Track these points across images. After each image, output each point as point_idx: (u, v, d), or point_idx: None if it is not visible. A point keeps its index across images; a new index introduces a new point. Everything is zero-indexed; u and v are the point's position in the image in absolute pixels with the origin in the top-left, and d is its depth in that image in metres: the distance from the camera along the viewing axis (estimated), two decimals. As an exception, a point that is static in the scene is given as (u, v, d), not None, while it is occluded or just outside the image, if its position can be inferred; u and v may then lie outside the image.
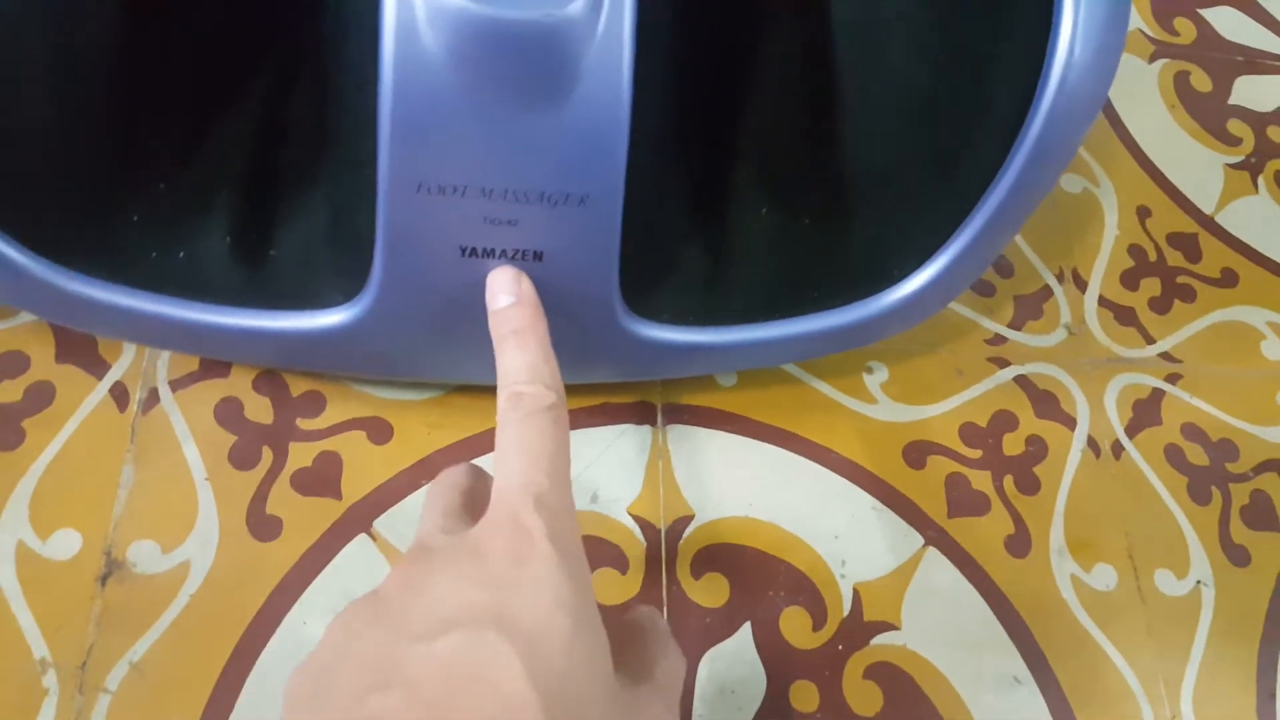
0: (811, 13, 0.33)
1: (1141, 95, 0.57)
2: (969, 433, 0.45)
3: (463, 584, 0.21)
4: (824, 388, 0.44)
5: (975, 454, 0.44)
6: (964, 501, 0.43)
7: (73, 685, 0.35)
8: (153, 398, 0.39)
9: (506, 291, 0.30)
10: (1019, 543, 0.43)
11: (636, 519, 0.40)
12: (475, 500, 0.28)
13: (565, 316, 0.34)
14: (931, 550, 0.42)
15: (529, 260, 0.31)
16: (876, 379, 0.45)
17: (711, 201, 0.36)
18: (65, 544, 0.37)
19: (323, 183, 0.33)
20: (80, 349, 0.40)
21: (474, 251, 0.31)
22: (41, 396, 0.39)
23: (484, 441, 0.41)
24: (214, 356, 0.40)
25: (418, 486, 0.40)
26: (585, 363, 0.37)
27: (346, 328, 0.34)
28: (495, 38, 0.26)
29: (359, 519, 0.39)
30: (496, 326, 0.29)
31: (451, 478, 0.29)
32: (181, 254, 0.32)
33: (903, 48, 0.34)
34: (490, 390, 0.41)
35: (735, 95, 0.35)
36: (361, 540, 0.38)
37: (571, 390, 0.42)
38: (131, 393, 0.39)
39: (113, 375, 0.40)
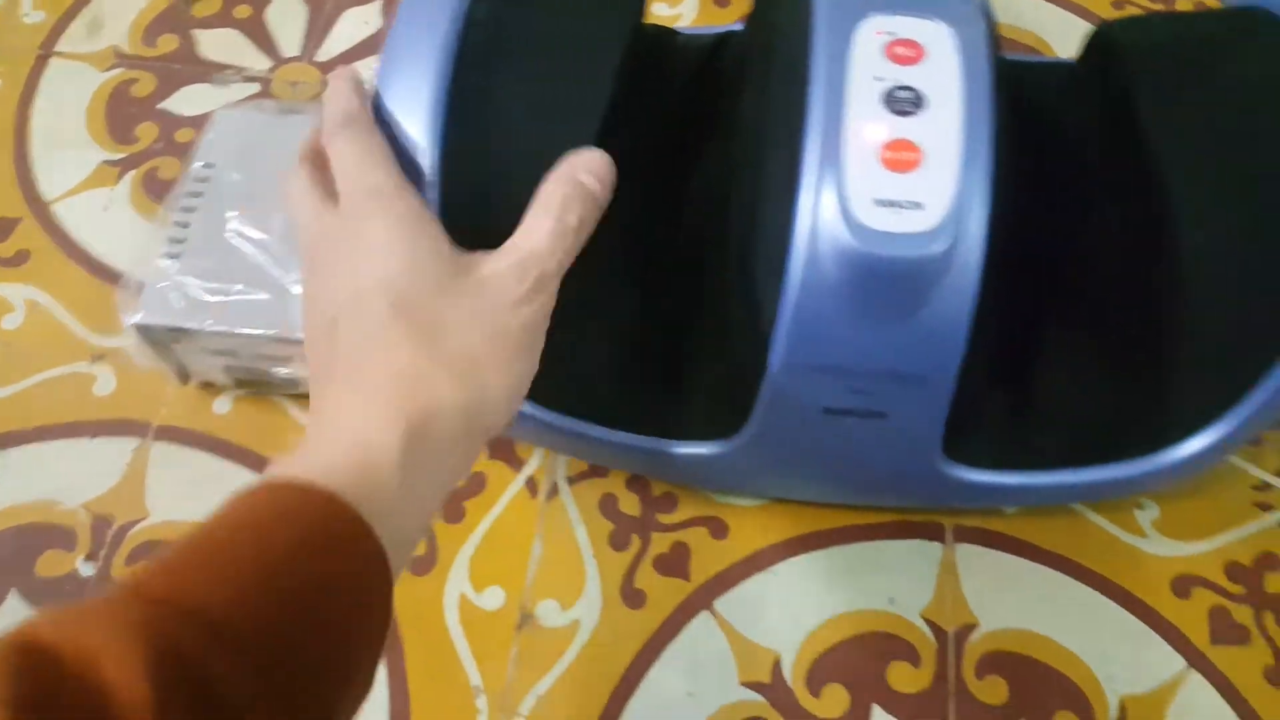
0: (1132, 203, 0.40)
1: None
2: (1233, 570, 0.50)
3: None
4: (1098, 520, 0.51)
5: (1238, 589, 0.49)
6: (1225, 632, 0.48)
7: (497, 708, 0.47)
8: (554, 490, 0.52)
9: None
10: (1279, 674, 0.47)
11: (928, 621, 0.48)
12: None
13: (895, 458, 0.43)
14: (1193, 673, 0.47)
15: (874, 417, 0.41)
16: (1148, 515, 0.51)
17: (1016, 362, 0.44)
18: (494, 597, 0.49)
19: (719, 349, 0.44)
20: (503, 449, 0.53)
21: (832, 410, 0.41)
22: (478, 483, 0.52)
23: (802, 543, 0.50)
24: (604, 465, 0.52)
25: (749, 576, 0.50)
26: (904, 494, 0.46)
27: (715, 458, 0.45)
28: (875, 269, 0.36)
29: (703, 599, 0.49)
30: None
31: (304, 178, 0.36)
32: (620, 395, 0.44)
33: (1209, 234, 0.40)
34: (805, 504, 0.50)
35: (1044, 276, 0.43)
36: (704, 616, 0.49)
37: (873, 507, 0.51)
38: (539, 485, 0.52)
39: (526, 470, 0.52)
